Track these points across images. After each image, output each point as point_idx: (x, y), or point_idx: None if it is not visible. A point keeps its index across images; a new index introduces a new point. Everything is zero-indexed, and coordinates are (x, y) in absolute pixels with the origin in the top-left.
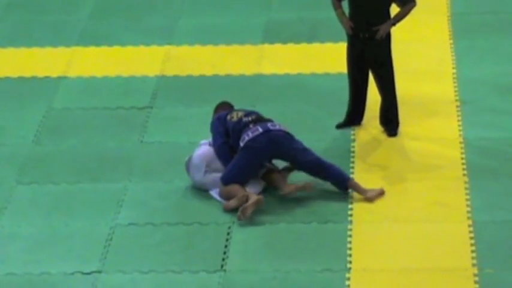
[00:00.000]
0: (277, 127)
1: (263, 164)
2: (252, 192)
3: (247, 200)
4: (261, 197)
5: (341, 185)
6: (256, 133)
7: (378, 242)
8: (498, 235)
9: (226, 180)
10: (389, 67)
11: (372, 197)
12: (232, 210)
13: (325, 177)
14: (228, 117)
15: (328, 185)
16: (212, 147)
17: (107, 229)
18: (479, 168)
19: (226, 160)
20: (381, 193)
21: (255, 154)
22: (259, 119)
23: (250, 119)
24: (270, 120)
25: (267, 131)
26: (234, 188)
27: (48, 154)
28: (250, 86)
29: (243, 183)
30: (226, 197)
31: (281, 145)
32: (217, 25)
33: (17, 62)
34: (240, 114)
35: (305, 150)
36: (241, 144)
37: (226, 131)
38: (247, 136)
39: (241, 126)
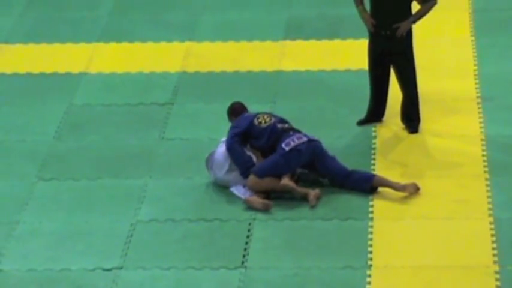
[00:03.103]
0: (315, 138)
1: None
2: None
3: (268, 207)
4: (318, 191)
5: (367, 184)
6: (302, 140)
7: (398, 239)
8: None
9: (261, 174)
10: (410, 64)
11: (406, 186)
12: (253, 208)
13: (350, 182)
14: (256, 121)
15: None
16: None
17: (127, 225)
18: (501, 165)
19: (241, 158)
20: (416, 188)
21: (297, 158)
22: (294, 128)
23: (286, 126)
24: (301, 131)
25: (310, 141)
26: (270, 181)
27: (69, 150)
28: (271, 82)
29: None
30: (257, 188)
31: (320, 156)
32: (238, 21)
33: (38, 58)
34: (268, 118)
35: (333, 157)
36: (286, 148)
37: (250, 134)
38: (293, 142)
39: (278, 132)
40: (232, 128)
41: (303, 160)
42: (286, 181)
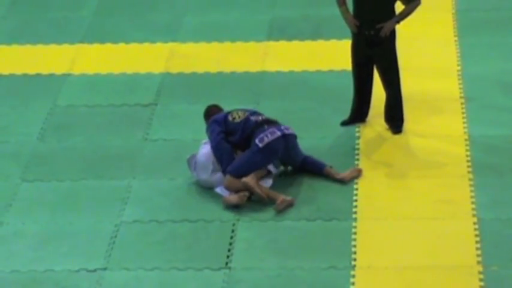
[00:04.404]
0: (290, 131)
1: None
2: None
3: (248, 199)
4: (292, 199)
5: (321, 168)
6: (276, 136)
7: (382, 240)
8: (503, 232)
9: (237, 173)
10: (394, 64)
11: (345, 176)
12: (237, 207)
13: (308, 164)
14: (229, 117)
15: (331, 182)
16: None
17: (111, 226)
18: (484, 166)
19: (227, 154)
20: (356, 173)
21: (272, 155)
22: (269, 120)
23: (260, 118)
24: (277, 122)
25: (284, 136)
26: (244, 183)
27: (52, 151)
28: (254, 83)
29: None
30: (233, 188)
31: (293, 150)
32: (222, 22)
33: (21, 60)
34: (241, 113)
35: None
36: (260, 144)
37: (226, 131)
38: (267, 137)
39: (252, 126)
40: (210, 127)
41: (279, 156)
42: (255, 184)
